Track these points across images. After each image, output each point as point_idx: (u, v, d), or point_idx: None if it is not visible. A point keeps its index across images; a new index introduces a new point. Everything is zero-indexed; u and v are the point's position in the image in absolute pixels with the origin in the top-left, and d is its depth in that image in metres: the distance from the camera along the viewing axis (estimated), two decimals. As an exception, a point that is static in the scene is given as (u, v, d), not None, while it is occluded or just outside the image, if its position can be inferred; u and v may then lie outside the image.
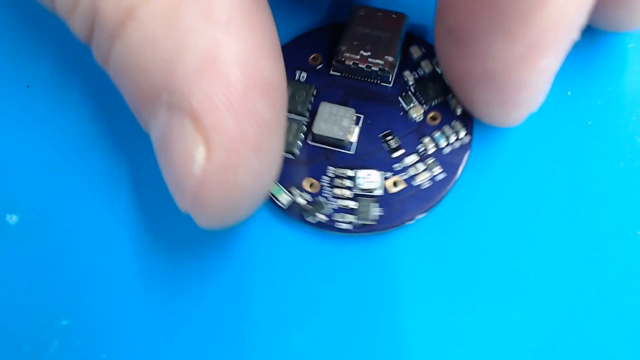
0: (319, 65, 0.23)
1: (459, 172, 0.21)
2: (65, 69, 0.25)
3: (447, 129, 0.21)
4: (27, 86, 0.24)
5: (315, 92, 0.22)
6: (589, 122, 0.22)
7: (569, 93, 0.22)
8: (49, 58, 0.25)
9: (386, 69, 0.21)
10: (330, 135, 0.21)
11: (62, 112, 0.24)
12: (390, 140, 0.21)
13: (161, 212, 0.22)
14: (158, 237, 0.22)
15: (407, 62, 0.23)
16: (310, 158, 0.21)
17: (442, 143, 0.21)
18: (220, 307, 0.21)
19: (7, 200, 0.23)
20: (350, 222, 0.20)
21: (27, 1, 0.26)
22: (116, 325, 0.20)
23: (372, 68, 0.21)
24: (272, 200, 0.21)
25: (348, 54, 0.22)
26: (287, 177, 0.21)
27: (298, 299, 0.20)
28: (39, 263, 0.22)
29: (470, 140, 0.21)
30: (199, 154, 0.15)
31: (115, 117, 0.24)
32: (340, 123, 0.21)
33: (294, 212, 0.21)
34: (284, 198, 0.21)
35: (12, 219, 0.22)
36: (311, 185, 0.21)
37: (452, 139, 0.21)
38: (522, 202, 0.21)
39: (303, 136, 0.22)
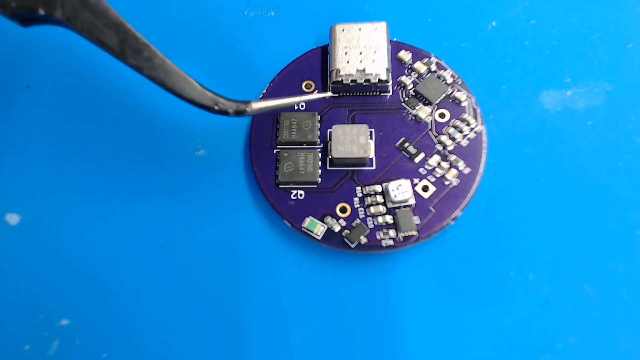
0: (313, 91, 0.22)
1: (483, 162, 0.21)
2: (65, 69, 0.24)
3: (457, 122, 0.21)
4: (28, 86, 0.24)
5: (320, 118, 0.22)
6: (589, 122, 0.22)
7: (569, 93, 0.22)
8: (49, 58, 0.25)
9: (384, 78, 0.21)
10: (350, 156, 0.20)
11: (62, 112, 0.24)
12: (408, 147, 0.21)
13: (163, 213, 0.22)
14: (159, 238, 0.21)
15: (400, 68, 0.23)
16: (335, 183, 0.21)
17: (458, 137, 0.21)
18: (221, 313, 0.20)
19: (7, 200, 0.22)
20: (392, 238, 0.20)
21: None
22: (116, 325, 0.20)
23: (371, 81, 0.21)
24: (307, 235, 0.20)
25: (344, 73, 0.21)
26: (317, 208, 0.20)
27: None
28: (39, 263, 0.21)
29: (484, 129, 0.21)
30: None
31: (116, 117, 0.23)
32: (357, 141, 0.20)
33: (330, 242, 0.20)
34: (319, 230, 0.20)
35: (13, 218, 0.22)
36: (343, 210, 0.20)
37: (466, 130, 0.21)
38: (533, 200, 0.21)
39: (320, 163, 0.21)
